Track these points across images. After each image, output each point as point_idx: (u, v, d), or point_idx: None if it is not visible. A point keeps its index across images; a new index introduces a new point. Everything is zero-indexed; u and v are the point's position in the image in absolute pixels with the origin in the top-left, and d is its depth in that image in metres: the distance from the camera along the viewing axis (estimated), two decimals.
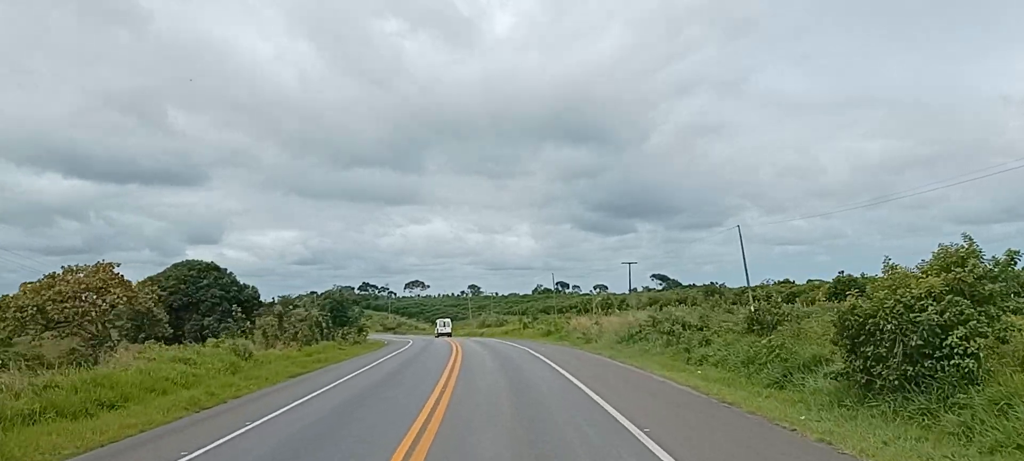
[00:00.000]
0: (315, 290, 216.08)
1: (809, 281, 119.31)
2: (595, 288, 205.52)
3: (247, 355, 23.06)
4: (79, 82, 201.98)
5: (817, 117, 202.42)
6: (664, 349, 23.42)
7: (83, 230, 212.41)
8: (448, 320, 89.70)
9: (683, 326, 22.22)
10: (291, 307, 40.23)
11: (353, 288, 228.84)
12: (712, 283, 65.86)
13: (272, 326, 32.99)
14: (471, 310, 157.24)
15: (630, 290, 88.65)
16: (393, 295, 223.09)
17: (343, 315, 52.88)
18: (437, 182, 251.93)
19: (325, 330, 44.16)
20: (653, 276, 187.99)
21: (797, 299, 71.70)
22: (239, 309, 34.26)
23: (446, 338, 69.79)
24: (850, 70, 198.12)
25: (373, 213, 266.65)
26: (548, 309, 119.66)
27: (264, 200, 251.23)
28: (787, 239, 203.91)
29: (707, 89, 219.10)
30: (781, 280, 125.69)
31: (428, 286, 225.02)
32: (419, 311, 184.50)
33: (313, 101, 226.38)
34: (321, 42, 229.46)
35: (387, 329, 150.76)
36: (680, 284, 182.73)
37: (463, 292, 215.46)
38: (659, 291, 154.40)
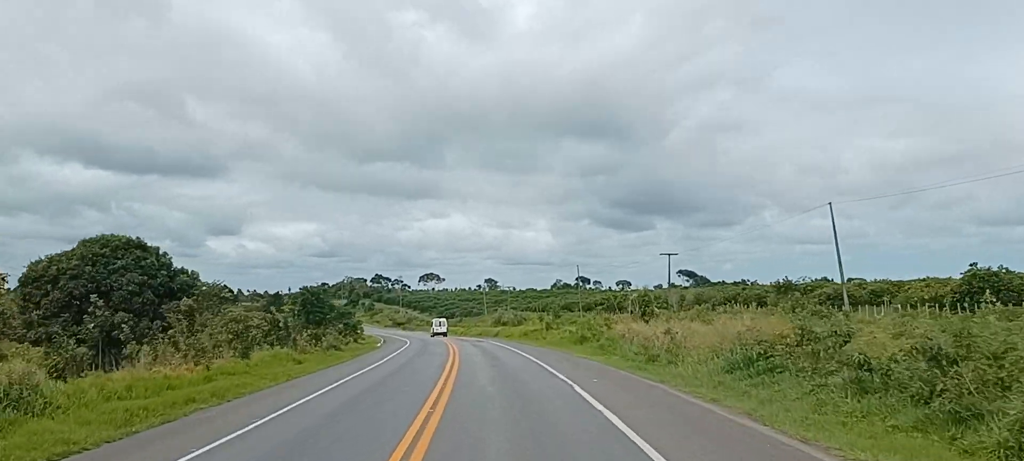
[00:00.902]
0: (327, 282, 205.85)
1: (852, 279, 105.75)
2: (618, 284, 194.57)
3: (20, 397, 11.28)
4: (98, 72, 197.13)
5: (839, 115, 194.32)
6: (852, 399, 11.20)
7: (105, 220, 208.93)
8: (444, 320, 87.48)
9: (945, 361, 9.74)
10: (219, 300, 28.39)
11: (366, 280, 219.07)
12: (787, 279, 53.24)
13: (181, 328, 21.39)
14: (486, 305, 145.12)
15: (669, 285, 76.01)
16: (408, 288, 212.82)
17: (320, 312, 41.36)
18: (455, 177, 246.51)
19: (284, 332, 32.42)
20: (680, 272, 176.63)
21: (885, 300, 58.74)
22: (99, 302, 22.63)
23: (442, 338, 65.28)
24: (873, 67, 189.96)
25: (391, 207, 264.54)
26: (571, 306, 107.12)
27: (283, 192, 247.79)
28: (807, 238, 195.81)
29: (728, 85, 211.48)
30: (820, 278, 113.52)
31: (443, 279, 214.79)
32: (433, 305, 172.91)
33: (330, 93, 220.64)
34: (338, 33, 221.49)
35: (397, 324, 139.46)
36: (708, 281, 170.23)
37: (479, 286, 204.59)
38: (686, 288, 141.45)
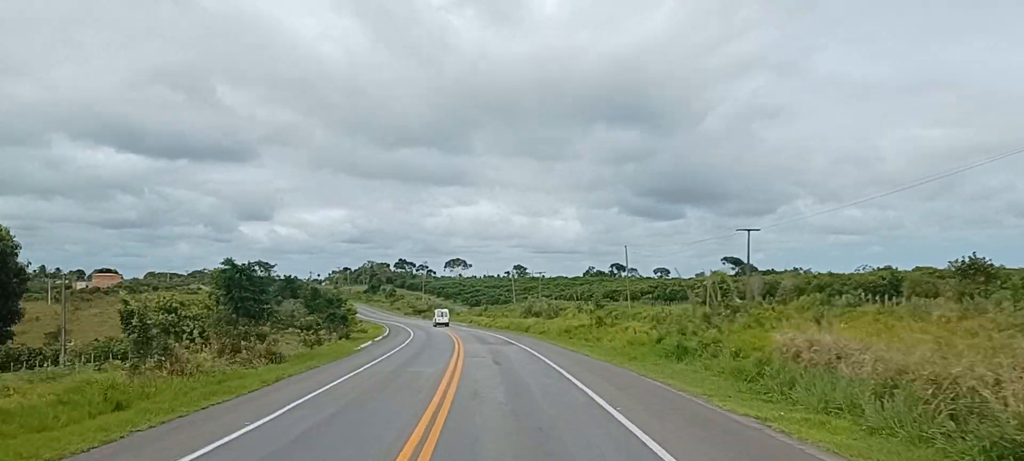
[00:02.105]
0: (349, 266, 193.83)
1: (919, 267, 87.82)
2: (656, 272, 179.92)
3: None
4: (129, 57, 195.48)
5: (878, 102, 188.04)
6: None
7: (138, 204, 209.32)
8: (445, 310, 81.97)
9: None
10: None
11: (388, 265, 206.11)
12: (977, 257, 36.54)
13: None
14: (515, 292, 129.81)
15: (749, 270, 59.48)
16: (433, 274, 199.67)
17: (254, 300, 26.36)
18: (483, 163, 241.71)
19: (143, 338, 17.55)
20: (725, 260, 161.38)
21: None
22: None
23: (445, 329, 60.35)
24: (915, 53, 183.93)
25: (419, 193, 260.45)
26: (613, 294, 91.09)
27: (313, 178, 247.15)
28: (840, 228, 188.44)
29: (764, 71, 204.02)
30: (883, 266, 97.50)
31: (470, 265, 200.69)
32: (458, 292, 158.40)
33: (359, 78, 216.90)
34: (366, 17, 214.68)
35: (417, 312, 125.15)
36: (756, 269, 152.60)
37: (507, 273, 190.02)
38: (734, 276, 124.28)
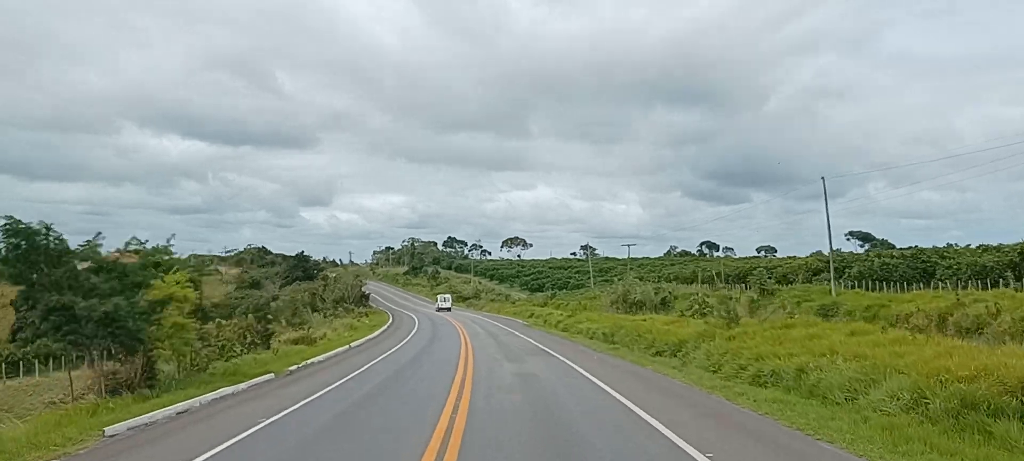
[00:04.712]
0: (392, 246, 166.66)
1: None
2: (759, 251, 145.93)
3: None
4: (187, 42, 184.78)
5: (953, 79, 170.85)
6: None
7: (203, 190, 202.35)
8: (449, 296, 78.11)
9: None
10: None
11: (436, 244, 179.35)
12: None
13: None
14: (593, 275, 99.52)
15: None
16: (487, 254, 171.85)
17: None
18: (541, 146, 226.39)
19: None
20: (849, 235, 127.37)
21: None
22: None
23: (446, 314, 59.07)
24: (993, 27, 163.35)
25: (476, 178, 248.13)
26: (778, 268, 58.51)
27: (371, 164, 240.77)
28: (914, 212, 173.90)
29: (832, 47, 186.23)
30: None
31: (530, 245, 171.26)
32: (515, 275, 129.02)
33: (413, 60, 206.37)
34: None
35: (462, 299, 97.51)
36: (890, 244, 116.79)
37: (574, 253, 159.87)
38: (858, 254, 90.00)
